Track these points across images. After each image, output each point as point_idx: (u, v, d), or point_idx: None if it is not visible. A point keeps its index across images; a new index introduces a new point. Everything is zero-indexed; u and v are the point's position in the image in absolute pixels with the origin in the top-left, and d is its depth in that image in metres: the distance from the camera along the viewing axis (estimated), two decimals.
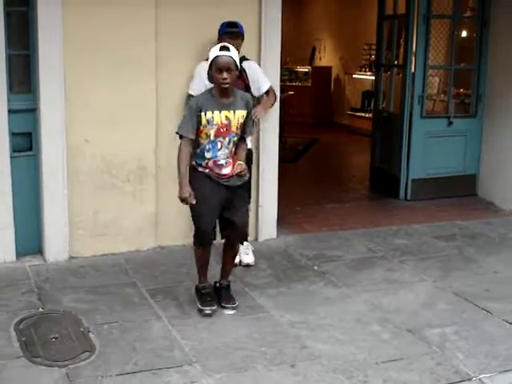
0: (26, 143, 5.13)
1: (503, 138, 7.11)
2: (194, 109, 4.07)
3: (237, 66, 4.05)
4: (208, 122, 4.06)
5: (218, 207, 4.21)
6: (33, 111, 5.08)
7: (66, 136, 5.05)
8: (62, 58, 4.95)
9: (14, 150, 5.05)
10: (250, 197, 5.26)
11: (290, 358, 3.75)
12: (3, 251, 5.08)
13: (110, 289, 4.67)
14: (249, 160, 4.85)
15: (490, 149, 7.32)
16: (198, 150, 4.15)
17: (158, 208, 5.44)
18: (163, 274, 4.99)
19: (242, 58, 5.00)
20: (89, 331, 4.01)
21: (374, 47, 10.03)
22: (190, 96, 4.94)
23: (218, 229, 4.58)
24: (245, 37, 5.11)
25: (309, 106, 13.69)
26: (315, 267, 5.21)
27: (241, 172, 4.15)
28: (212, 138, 4.10)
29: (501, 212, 6.96)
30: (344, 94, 13.93)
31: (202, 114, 4.05)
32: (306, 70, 14.46)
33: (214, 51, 4.04)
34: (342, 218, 6.62)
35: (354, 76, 13.44)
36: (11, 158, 5.01)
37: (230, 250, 4.42)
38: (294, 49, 13.55)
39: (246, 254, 5.20)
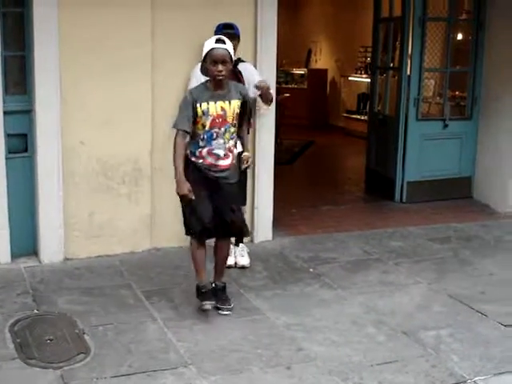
0: (21, 144, 5.12)
1: (498, 141, 7.12)
2: (189, 101, 4.09)
3: (231, 58, 4.08)
4: (203, 112, 4.09)
5: (209, 199, 4.17)
6: (28, 112, 5.07)
7: (62, 137, 5.05)
8: (58, 60, 4.95)
9: (10, 151, 5.04)
10: (245, 198, 5.26)
11: (286, 360, 3.75)
12: None
13: (105, 290, 4.66)
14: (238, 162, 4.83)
15: (485, 151, 7.33)
16: (194, 140, 4.17)
17: (153, 210, 5.44)
18: (158, 275, 4.98)
19: (238, 60, 5.01)
20: (84, 333, 4.00)
21: (369, 50, 10.04)
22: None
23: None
24: (241, 39, 5.12)
25: (304, 108, 13.70)
26: (311, 269, 5.21)
27: (247, 162, 4.38)
28: (207, 128, 4.12)
29: (496, 214, 6.96)
30: (340, 96, 13.94)
31: (198, 105, 4.08)
32: (302, 73, 14.50)
33: (210, 43, 4.05)
34: (337, 220, 6.63)
35: (349, 78, 13.46)
36: (6, 159, 5.00)
37: (223, 248, 4.38)
38: (290, 51, 13.54)
39: (241, 256, 5.19)
